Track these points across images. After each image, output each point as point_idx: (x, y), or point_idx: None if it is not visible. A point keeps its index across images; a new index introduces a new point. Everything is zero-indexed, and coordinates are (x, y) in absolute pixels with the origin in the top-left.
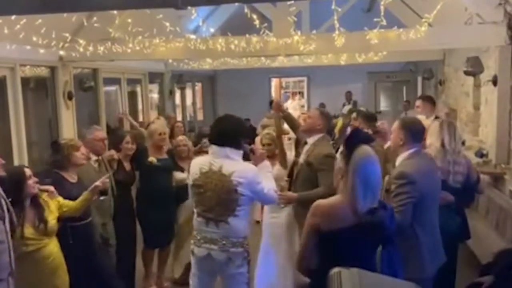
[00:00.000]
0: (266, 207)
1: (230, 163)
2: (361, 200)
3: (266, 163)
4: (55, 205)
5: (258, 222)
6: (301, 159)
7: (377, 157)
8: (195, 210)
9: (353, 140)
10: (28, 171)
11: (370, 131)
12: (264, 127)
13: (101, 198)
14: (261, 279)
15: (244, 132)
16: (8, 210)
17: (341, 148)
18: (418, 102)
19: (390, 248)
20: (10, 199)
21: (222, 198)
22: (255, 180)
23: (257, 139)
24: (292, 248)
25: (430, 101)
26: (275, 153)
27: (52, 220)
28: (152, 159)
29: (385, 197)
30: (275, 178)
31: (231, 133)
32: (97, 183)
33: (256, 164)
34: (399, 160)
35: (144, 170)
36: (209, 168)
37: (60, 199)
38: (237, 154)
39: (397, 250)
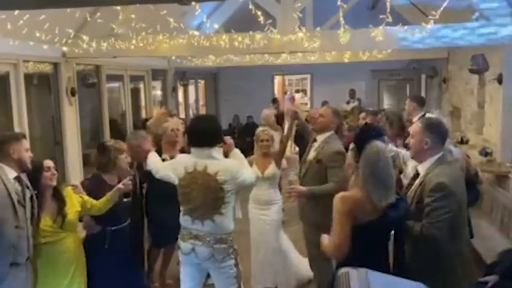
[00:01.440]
0: (252, 204)
1: (214, 163)
2: (375, 196)
3: (236, 150)
4: (78, 201)
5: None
6: (310, 156)
7: (387, 152)
8: (181, 208)
9: (364, 136)
10: (47, 163)
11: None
12: (265, 119)
13: (125, 200)
14: (256, 274)
15: (221, 129)
16: (32, 199)
17: (351, 145)
18: (406, 101)
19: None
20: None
21: (208, 197)
22: (237, 174)
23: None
24: (280, 243)
25: (417, 100)
26: (270, 150)
27: (71, 214)
28: (165, 156)
29: (414, 210)
30: (271, 176)
31: (212, 133)
32: (120, 185)
33: (228, 153)
34: (425, 166)
35: None
36: (194, 169)
37: (84, 195)
38: (218, 152)
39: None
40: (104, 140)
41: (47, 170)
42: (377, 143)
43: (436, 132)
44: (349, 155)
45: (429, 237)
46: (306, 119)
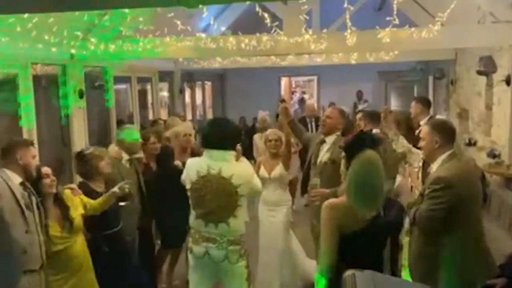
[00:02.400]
0: (261, 205)
1: (228, 166)
2: (361, 208)
3: (243, 158)
4: (79, 202)
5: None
6: (324, 157)
7: (379, 163)
8: (193, 212)
9: (356, 144)
10: (45, 170)
11: (378, 130)
12: (260, 122)
13: (121, 204)
14: (263, 275)
15: (237, 133)
16: (38, 207)
17: (342, 153)
18: (412, 104)
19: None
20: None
21: (222, 201)
22: (251, 179)
23: (256, 136)
24: (288, 246)
25: (423, 102)
26: (279, 151)
27: (77, 217)
28: (178, 163)
29: (418, 200)
30: (278, 178)
31: (229, 136)
32: (115, 189)
33: (236, 159)
34: (436, 164)
35: (168, 172)
36: (207, 172)
37: (84, 197)
38: (232, 155)
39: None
40: (82, 149)
41: (46, 177)
42: (370, 153)
43: (444, 131)
44: (342, 162)
45: (419, 225)
46: (304, 117)
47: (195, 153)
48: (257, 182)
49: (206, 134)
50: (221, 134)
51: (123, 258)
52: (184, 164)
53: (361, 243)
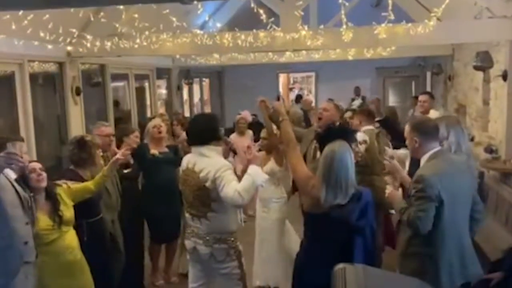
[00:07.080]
0: (257, 202)
1: (202, 160)
2: (323, 195)
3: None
4: (67, 194)
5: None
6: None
7: (350, 153)
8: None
9: (326, 136)
10: (33, 165)
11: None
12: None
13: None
14: (257, 271)
15: (215, 127)
16: (30, 200)
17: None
18: (425, 97)
19: (361, 241)
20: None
21: (196, 194)
22: (218, 178)
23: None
24: (283, 242)
25: (431, 95)
26: (271, 148)
27: (66, 211)
28: (154, 151)
29: (408, 203)
30: (269, 173)
31: (202, 131)
32: (118, 155)
33: (225, 156)
34: (423, 161)
35: (147, 164)
36: (186, 166)
37: (70, 184)
38: (213, 151)
39: (371, 244)
40: (83, 135)
41: (33, 172)
42: (337, 144)
43: (422, 131)
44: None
45: (414, 229)
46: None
47: (171, 145)
48: (225, 188)
49: (187, 131)
50: (197, 130)
51: (101, 249)
52: (160, 153)
53: (322, 226)
